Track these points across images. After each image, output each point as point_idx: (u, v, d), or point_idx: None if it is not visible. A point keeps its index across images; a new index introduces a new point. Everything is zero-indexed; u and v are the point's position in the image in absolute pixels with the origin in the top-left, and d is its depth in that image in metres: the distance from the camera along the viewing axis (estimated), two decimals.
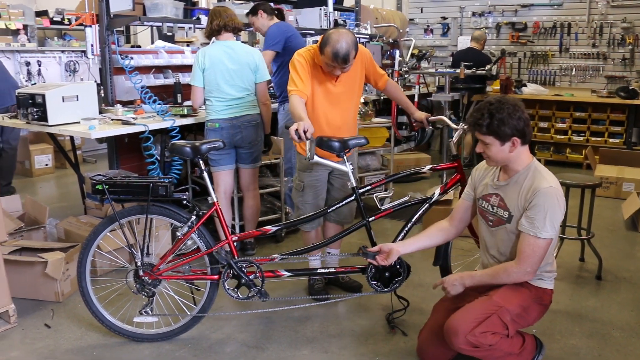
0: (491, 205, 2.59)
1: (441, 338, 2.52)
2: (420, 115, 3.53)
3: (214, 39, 3.95)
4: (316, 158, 2.92)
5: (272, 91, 5.12)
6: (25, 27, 7.70)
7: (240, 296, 2.97)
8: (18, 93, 4.04)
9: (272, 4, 4.78)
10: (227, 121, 3.86)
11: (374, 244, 3.11)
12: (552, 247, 2.53)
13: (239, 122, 3.88)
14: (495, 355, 2.42)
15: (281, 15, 4.85)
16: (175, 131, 4.10)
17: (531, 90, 7.93)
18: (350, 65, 3.15)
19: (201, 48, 4.00)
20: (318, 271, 3.24)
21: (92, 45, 4.39)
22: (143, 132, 3.94)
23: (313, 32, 6.11)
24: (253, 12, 4.65)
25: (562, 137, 7.71)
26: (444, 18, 9.31)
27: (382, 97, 6.34)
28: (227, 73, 3.82)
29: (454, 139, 3.26)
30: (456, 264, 3.42)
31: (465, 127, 3.31)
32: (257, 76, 3.95)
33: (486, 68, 6.53)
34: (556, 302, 2.60)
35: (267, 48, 4.51)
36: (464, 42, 8.85)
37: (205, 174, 2.97)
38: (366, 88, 5.73)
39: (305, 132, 2.79)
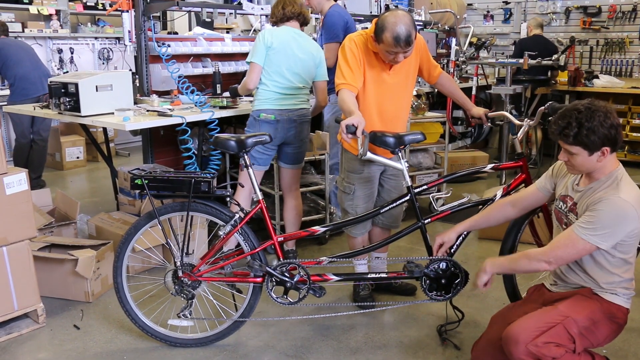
0: (566, 207, 2.56)
1: (498, 352, 2.48)
2: (479, 111, 3.49)
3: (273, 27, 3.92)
4: (369, 154, 2.91)
5: None
6: (57, 12, 7.94)
7: (292, 300, 2.98)
8: (50, 82, 4.15)
9: None
10: (284, 113, 3.78)
11: (428, 248, 3.09)
12: (632, 265, 2.48)
13: (295, 116, 3.82)
14: None
15: None
16: (214, 124, 4.15)
17: (604, 82, 7.71)
18: (413, 48, 3.11)
19: (265, 28, 3.97)
20: (368, 276, 3.23)
21: (129, 32, 4.48)
22: (180, 125, 3.99)
23: (362, 18, 6.09)
24: None
25: (639, 135, 7.49)
26: (506, 2, 9.14)
27: (436, 90, 6.28)
28: (292, 59, 3.77)
29: (518, 135, 3.21)
30: None
31: (530, 122, 3.25)
32: (318, 73, 3.92)
33: (553, 58, 6.39)
34: (631, 320, 2.52)
35: (330, 40, 4.41)
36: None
37: (251, 170, 2.99)
38: (419, 80, 5.69)
39: (356, 128, 2.78)
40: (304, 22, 3.95)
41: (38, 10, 7.62)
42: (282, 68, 3.75)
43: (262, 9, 5.04)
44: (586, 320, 2.38)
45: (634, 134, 7.49)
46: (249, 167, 2.99)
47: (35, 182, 6.16)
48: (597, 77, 7.89)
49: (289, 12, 3.85)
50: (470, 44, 7.01)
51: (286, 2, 3.87)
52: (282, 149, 3.93)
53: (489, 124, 3.47)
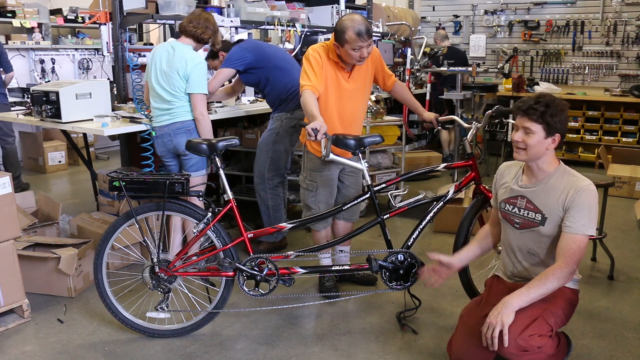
0: (518, 208, 2.55)
1: (475, 346, 2.44)
2: (429, 115, 3.54)
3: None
4: (332, 156, 2.93)
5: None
6: (39, 25, 7.79)
7: (263, 292, 2.97)
8: (32, 90, 4.07)
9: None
10: (161, 129, 3.63)
11: (388, 241, 3.12)
12: None
13: (170, 130, 3.60)
14: (541, 358, 2.37)
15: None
16: None
17: (543, 89, 7.87)
18: (372, 47, 3.19)
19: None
20: (332, 268, 3.26)
21: (107, 43, 4.40)
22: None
23: (325, 30, 6.10)
24: (213, 56, 4.25)
25: (575, 136, 7.66)
26: (456, 16, 9.26)
27: None
28: (160, 74, 3.57)
29: (468, 137, 3.25)
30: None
31: (478, 125, 3.30)
32: (187, 86, 3.55)
33: (498, 67, 6.48)
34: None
35: (225, 65, 4.02)
36: (477, 40, 8.79)
37: (222, 171, 2.96)
38: (378, 87, 5.72)
39: (319, 131, 2.80)
40: (198, 40, 3.65)
41: (21, 24, 7.46)
42: (153, 84, 3.63)
43: (231, 21, 4.99)
44: (560, 309, 2.43)
45: (570, 135, 7.64)
46: (220, 169, 2.97)
47: (16, 183, 5.99)
48: (537, 84, 8.06)
49: (180, 26, 3.63)
50: (424, 53, 7.05)
51: (190, 16, 3.69)
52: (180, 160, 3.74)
53: (439, 127, 3.51)
